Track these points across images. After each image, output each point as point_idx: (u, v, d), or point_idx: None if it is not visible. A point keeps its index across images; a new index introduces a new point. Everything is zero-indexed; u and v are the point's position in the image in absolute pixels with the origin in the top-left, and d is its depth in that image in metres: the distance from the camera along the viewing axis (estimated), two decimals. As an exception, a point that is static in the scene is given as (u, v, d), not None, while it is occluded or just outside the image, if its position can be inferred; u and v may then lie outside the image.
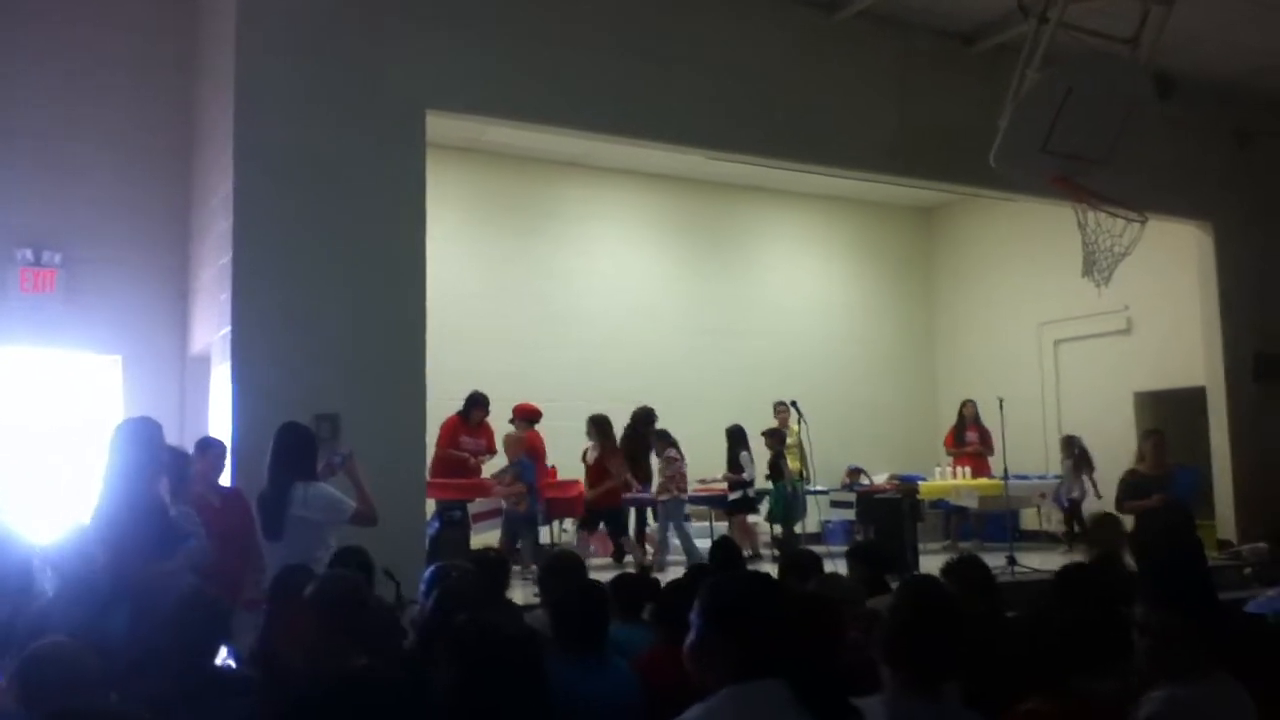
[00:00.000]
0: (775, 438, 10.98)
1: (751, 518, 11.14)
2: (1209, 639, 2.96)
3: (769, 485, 11.09)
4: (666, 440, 10.44)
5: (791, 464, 11.56)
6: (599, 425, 10.10)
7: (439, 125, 8.30)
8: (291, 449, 5.44)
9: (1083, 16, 8.39)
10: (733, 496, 10.85)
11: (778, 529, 11.14)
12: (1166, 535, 7.36)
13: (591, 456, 10.06)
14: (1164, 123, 9.96)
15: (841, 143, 9.65)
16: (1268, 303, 11.03)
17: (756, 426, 11.52)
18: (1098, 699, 2.92)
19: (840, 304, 14.90)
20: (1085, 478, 11.40)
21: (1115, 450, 10.04)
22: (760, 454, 11.18)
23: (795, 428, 11.58)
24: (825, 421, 12.05)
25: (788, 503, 10.84)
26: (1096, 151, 8.67)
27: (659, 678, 3.52)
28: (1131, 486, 8.20)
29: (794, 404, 11.55)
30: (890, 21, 9.68)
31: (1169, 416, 11.61)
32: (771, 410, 11.84)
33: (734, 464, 10.94)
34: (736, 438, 11.07)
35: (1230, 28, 9.51)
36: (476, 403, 9.78)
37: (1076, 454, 11.53)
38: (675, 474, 10.21)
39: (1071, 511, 11.52)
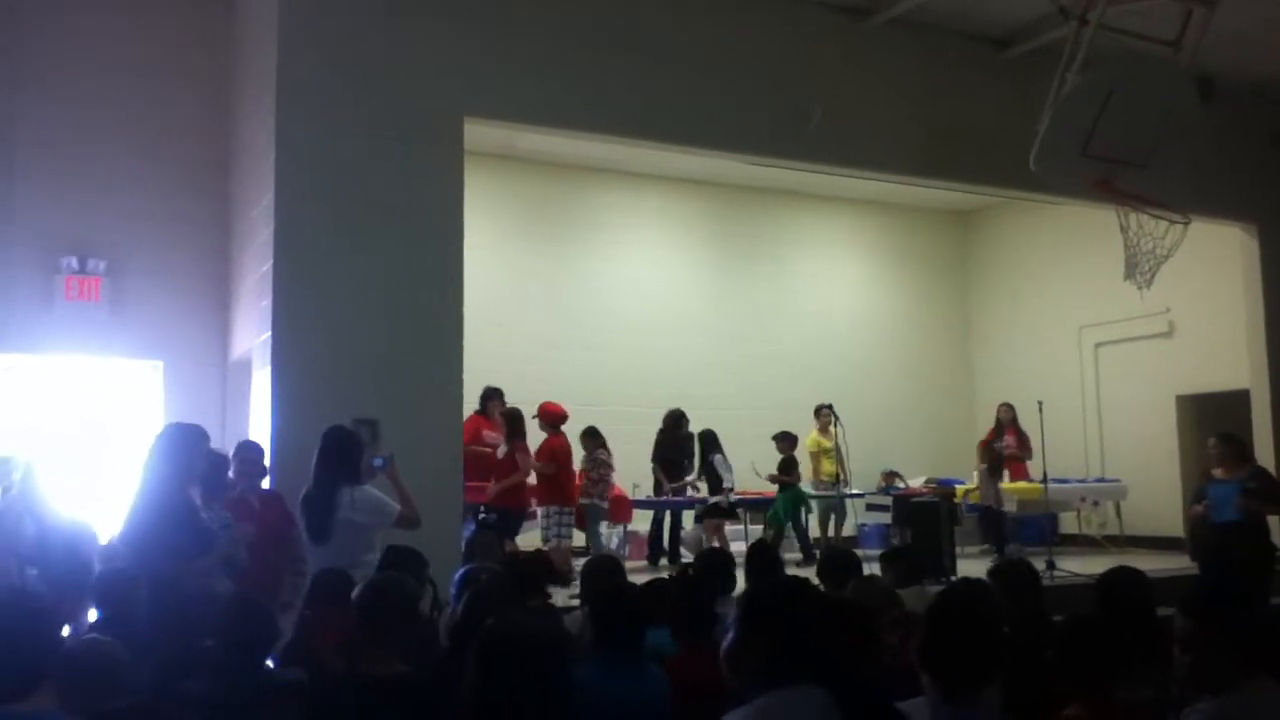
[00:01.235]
0: (787, 441, 10.84)
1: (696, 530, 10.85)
2: (1249, 646, 2.92)
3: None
4: (597, 439, 10.13)
5: (829, 467, 11.58)
6: (509, 419, 9.27)
7: (473, 132, 8.36)
8: (338, 452, 5.48)
9: (1122, 18, 8.29)
10: (709, 501, 10.56)
11: (819, 531, 11.11)
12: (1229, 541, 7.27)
13: (502, 452, 9.36)
14: (1206, 124, 9.85)
15: (876, 147, 9.62)
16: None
17: (791, 430, 11.50)
18: (1137, 707, 2.89)
19: (876, 308, 14.84)
20: None
21: (1156, 454, 9.93)
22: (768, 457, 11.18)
23: (834, 431, 11.62)
24: (861, 426, 12.08)
25: (793, 506, 10.73)
26: (1137, 154, 8.55)
27: (689, 681, 3.53)
28: (1195, 491, 8.07)
29: (830, 408, 11.60)
30: (922, 27, 9.63)
31: (1212, 420, 11.44)
32: (811, 414, 11.80)
33: (707, 468, 10.64)
34: (708, 442, 10.79)
35: (1275, 27, 9.35)
36: (491, 395, 9.65)
37: None
38: (600, 478, 9.93)
39: None
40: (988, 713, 2.68)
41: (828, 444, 11.77)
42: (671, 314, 13.37)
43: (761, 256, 14.17)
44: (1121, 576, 4.34)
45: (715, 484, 10.53)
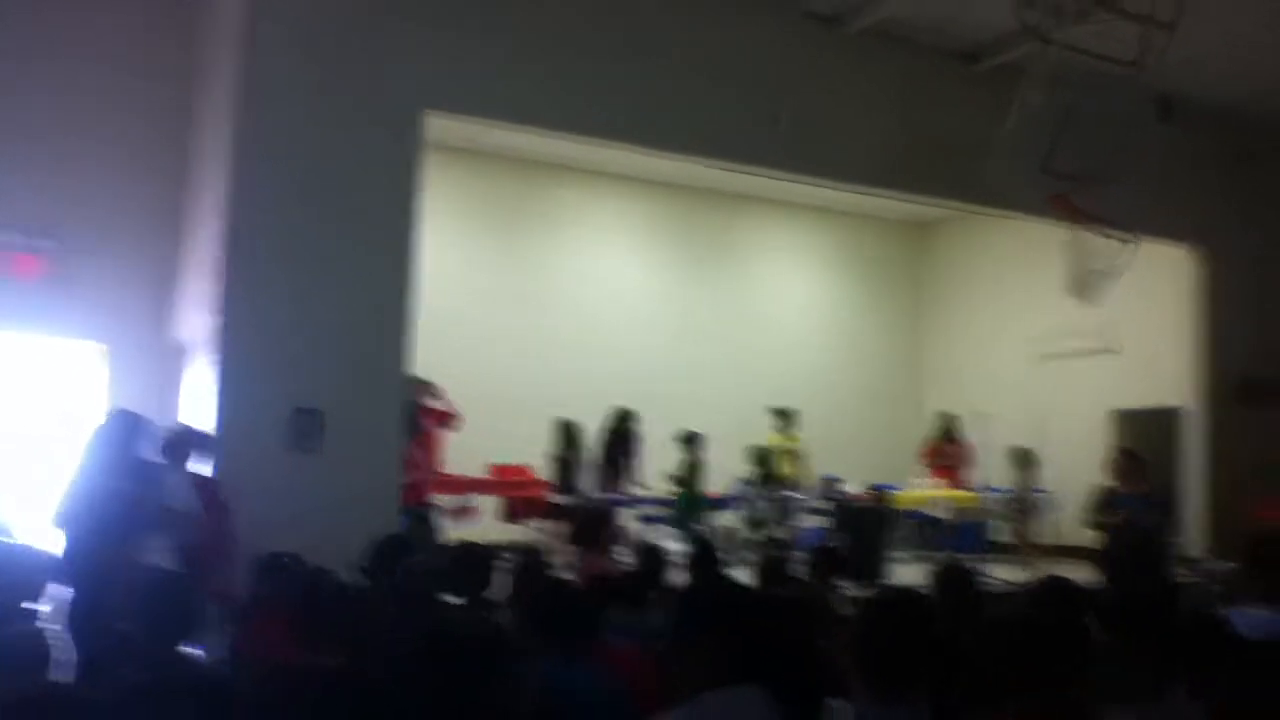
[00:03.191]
0: (691, 442, 10.77)
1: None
2: (1167, 659, 3.01)
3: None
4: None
5: (789, 469, 11.73)
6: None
7: (437, 126, 8.34)
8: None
9: (1085, 38, 8.45)
10: (558, 501, 10.09)
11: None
12: (1134, 554, 7.46)
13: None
14: (1162, 145, 10.09)
15: (843, 155, 9.72)
16: (1254, 327, 11.13)
17: (744, 433, 11.60)
18: (1065, 712, 2.96)
19: (831, 315, 15.04)
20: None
21: (1090, 466, 10.10)
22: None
23: (796, 434, 11.71)
24: (811, 430, 12.24)
25: (688, 509, 10.58)
26: (1094, 172, 8.75)
27: (638, 677, 3.55)
28: (1102, 502, 8.28)
29: (780, 411, 11.78)
30: (894, 38, 9.75)
31: (1142, 435, 11.72)
32: (765, 416, 11.91)
33: (563, 465, 10.20)
34: (570, 436, 10.31)
35: (1231, 51, 9.59)
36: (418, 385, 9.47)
37: None
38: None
39: None
40: (915, 714, 2.73)
41: (787, 446, 11.93)
42: (630, 314, 13.45)
43: (722, 260, 14.29)
44: (1053, 585, 4.43)
45: (565, 483, 10.09)
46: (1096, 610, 3.29)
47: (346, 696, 3.05)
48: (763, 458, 11.09)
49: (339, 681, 3.09)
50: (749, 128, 9.15)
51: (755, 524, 10.85)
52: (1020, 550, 11.65)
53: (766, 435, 12.03)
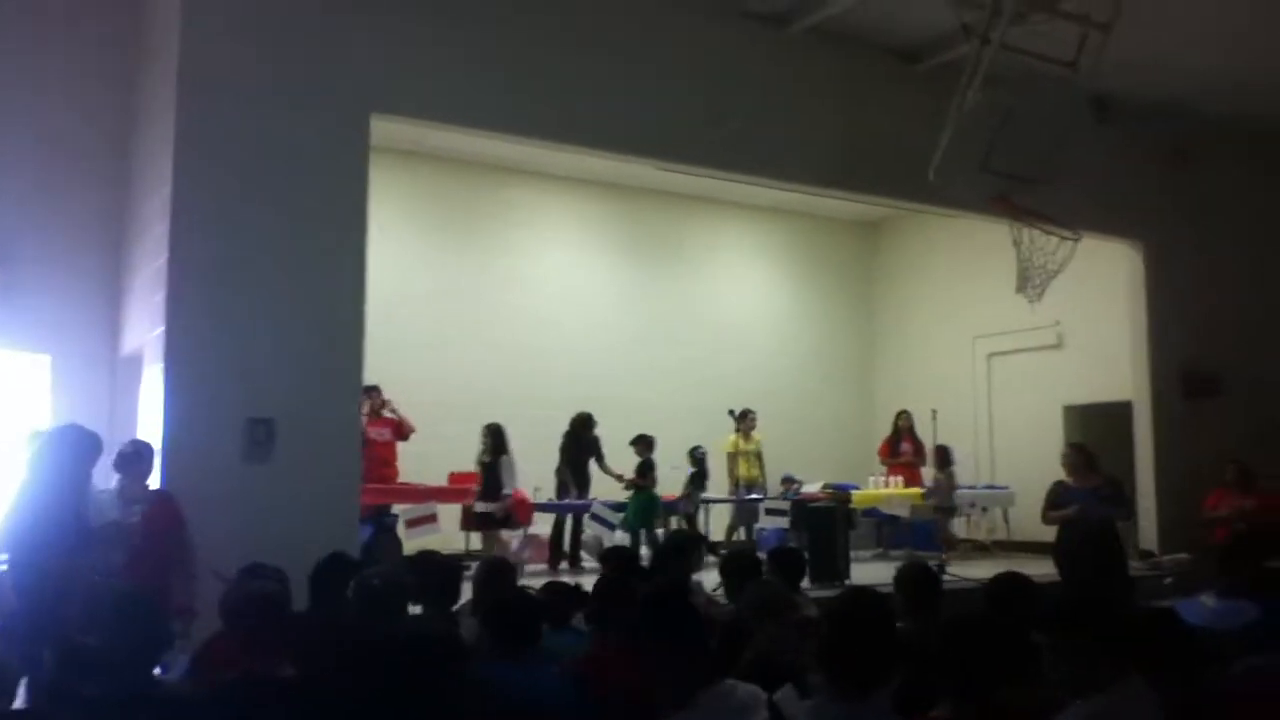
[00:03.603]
0: (643, 444, 10.75)
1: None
2: (1115, 649, 3.06)
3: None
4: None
5: (751, 471, 11.78)
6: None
7: (385, 128, 8.26)
8: None
9: (1023, 39, 8.56)
10: (482, 509, 9.83)
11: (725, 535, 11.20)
12: (1087, 547, 7.56)
13: None
14: (1100, 144, 10.23)
15: (789, 156, 9.75)
16: (1197, 322, 11.32)
17: (698, 434, 11.63)
18: (1016, 708, 3.00)
19: (784, 315, 15.13)
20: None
21: (1043, 461, 10.25)
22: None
23: (756, 436, 11.79)
24: (769, 430, 12.32)
25: (645, 510, 10.54)
26: (1033, 171, 8.87)
27: (595, 681, 3.55)
28: (1055, 496, 8.39)
29: (740, 413, 11.86)
30: (838, 38, 9.80)
31: (1096, 430, 11.90)
32: (719, 418, 11.98)
33: (489, 470, 9.93)
34: (496, 439, 10.01)
35: (1168, 51, 9.74)
36: (368, 392, 9.15)
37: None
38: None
39: None
40: (876, 711, 2.76)
41: (747, 448, 11.99)
42: (582, 316, 13.43)
43: (672, 261, 14.32)
44: (1008, 581, 4.50)
45: (494, 488, 9.83)
46: (1051, 604, 3.33)
47: (304, 708, 3.02)
48: (699, 458, 11.07)
49: (296, 694, 3.06)
50: (695, 129, 9.15)
51: (690, 522, 10.81)
52: (984, 547, 11.82)
53: (726, 437, 12.11)
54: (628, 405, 12.14)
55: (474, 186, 12.89)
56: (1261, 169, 11.87)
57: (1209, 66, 10.05)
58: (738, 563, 5.46)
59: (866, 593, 3.30)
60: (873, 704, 2.74)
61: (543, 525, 10.90)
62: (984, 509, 12.30)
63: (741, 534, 11.73)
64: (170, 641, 3.70)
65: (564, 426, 11.11)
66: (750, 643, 3.89)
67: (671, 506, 10.81)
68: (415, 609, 4.41)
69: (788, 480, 11.76)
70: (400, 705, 2.65)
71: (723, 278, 14.76)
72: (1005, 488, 12.54)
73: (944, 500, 11.46)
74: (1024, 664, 3.36)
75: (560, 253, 13.60)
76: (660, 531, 10.46)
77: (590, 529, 10.46)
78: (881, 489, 11.83)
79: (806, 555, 7.30)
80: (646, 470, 10.64)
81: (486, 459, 9.99)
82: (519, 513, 10.07)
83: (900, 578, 4.58)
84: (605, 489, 10.96)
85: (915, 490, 11.74)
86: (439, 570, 4.52)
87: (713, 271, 14.69)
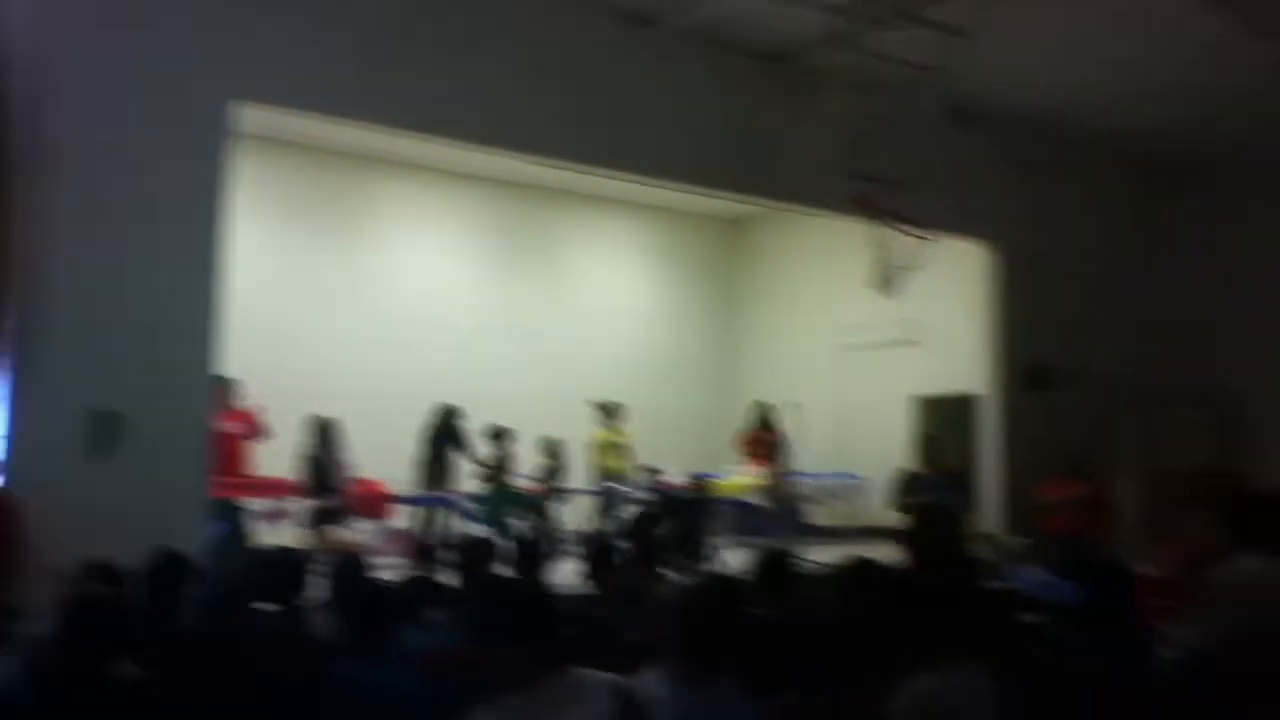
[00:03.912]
0: (500, 437, 10.74)
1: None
2: (956, 629, 3.23)
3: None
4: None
5: (615, 462, 11.90)
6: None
7: (250, 116, 7.99)
8: None
9: (889, 45, 8.83)
10: (311, 505, 9.43)
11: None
12: (933, 532, 7.88)
13: None
14: (955, 149, 10.64)
15: (655, 152, 9.82)
16: (1038, 319, 11.87)
17: (563, 427, 11.66)
18: (859, 689, 3.14)
19: (650, 309, 15.31)
20: None
21: (894, 451, 10.64)
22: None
23: (625, 430, 11.96)
24: (634, 422, 12.43)
25: (503, 502, 10.53)
26: (893, 173, 9.19)
27: (446, 677, 3.54)
28: (905, 485, 8.74)
29: (610, 406, 11.92)
30: (706, 38, 9.91)
31: (944, 421, 12.39)
32: (587, 410, 12.03)
33: (313, 465, 9.58)
34: (325, 433, 9.68)
35: (1022, 62, 10.14)
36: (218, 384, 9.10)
37: None
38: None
39: None
40: (726, 694, 2.84)
41: (613, 439, 12.07)
42: (451, 310, 13.35)
43: (539, 255, 14.34)
44: (857, 566, 4.67)
45: (320, 483, 9.47)
46: (899, 586, 3.48)
47: (146, 710, 2.93)
48: (553, 450, 11.08)
49: (137, 695, 2.97)
50: (563, 123, 9.16)
51: (539, 514, 10.79)
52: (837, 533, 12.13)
53: (592, 429, 12.16)
54: (493, 397, 12.06)
55: (343, 177, 12.68)
56: (1102, 178, 12.54)
57: (1059, 79, 10.51)
58: (598, 551, 5.52)
59: (720, 578, 3.38)
60: (723, 687, 2.81)
61: (405, 519, 10.76)
62: (838, 496, 12.66)
63: (604, 524, 11.79)
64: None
65: (428, 419, 10.98)
66: (606, 628, 3.95)
67: (528, 499, 10.78)
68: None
69: (648, 470, 11.88)
70: (247, 705, 2.61)
71: (591, 272, 14.85)
72: (858, 476, 12.93)
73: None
74: (870, 646, 3.51)
75: (426, 245, 13.47)
76: (519, 524, 10.44)
77: (453, 523, 10.37)
78: (741, 478, 12.06)
79: (667, 543, 7.40)
80: (503, 462, 10.60)
81: (313, 453, 9.63)
82: (376, 506, 9.92)
83: (756, 565, 4.70)
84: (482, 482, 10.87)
85: (773, 480, 12.02)
86: (286, 566, 4.42)
87: (581, 265, 14.76)
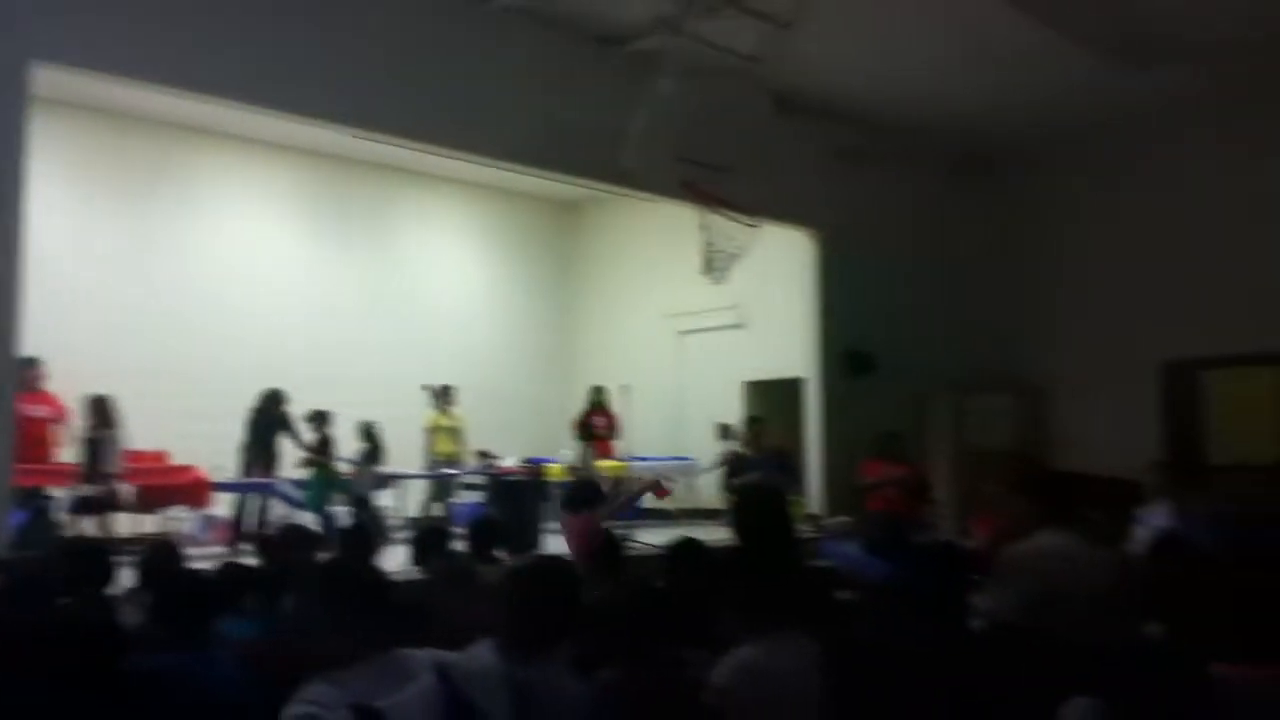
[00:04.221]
0: (321, 420, 10.47)
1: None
2: (779, 602, 3.36)
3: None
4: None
5: (450, 446, 11.79)
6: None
7: (53, 79, 7.55)
8: None
9: (714, 33, 8.96)
10: (84, 493, 8.82)
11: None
12: (758, 511, 8.13)
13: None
14: (781, 137, 10.91)
15: (485, 131, 9.70)
16: (859, 306, 12.33)
17: (395, 411, 11.46)
18: (682, 664, 3.22)
19: (485, 291, 15.17)
20: None
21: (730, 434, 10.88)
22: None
23: (454, 411, 11.73)
24: (469, 406, 12.32)
25: (325, 488, 10.27)
26: (720, 160, 9.37)
27: (268, 664, 3.45)
28: (734, 466, 8.98)
29: (441, 389, 11.78)
30: (538, 18, 9.84)
31: (773, 404, 12.76)
32: (419, 393, 11.86)
33: (90, 446, 8.95)
34: (98, 414, 9.00)
35: (843, 53, 10.47)
36: (25, 366, 8.32)
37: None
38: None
39: None
40: (556, 669, 2.88)
41: (446, 423, 11.92)
42: (277, 290, 12.89)
43: (371, 234, 13.98)
44: (684, 546, 4.78)
45: (97, 469, 8.88)
46: (722, 565, 3.59)
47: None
48: (370, 433, 10.90)
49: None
50: (383, 97, 8.93)
51: (361, 499, 10.61)
52: (672, 515, 12.33)
53: (423, 413, 12.01)
54: (321, 380, 11.74)
55: (159, 148, 12.02)
56: (918, 169, 13.09)
57: (877, 70, 10.92)
58: (427, 535, 5.48)
59: (547, 558, 3.42)
60: (550, 665, 2.85)
61: (228, 506, 10.40)
62: (672, 480, 12.85)
63: (438, 509, 11.67)
64: None
65: (251, 402, 10.61)
66: (434, 611, 3.93)
67: (350, 484, 10.55)
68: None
69: (484, 455, 11.81)
70: (49, 700, 2.48)
71: (426, 252, 14.60)
72: (691, 459, 13.18)
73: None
74: (695, 622, 3.60)
75: (254, 222, 12.93)
76: (342, 509, 10.22)
77: (275, 508, 10.07)
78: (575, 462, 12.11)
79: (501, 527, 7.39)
80: (325, 447, 10.36)
81: (88, 435, 8.97)
82: (197, 494, 9.55)
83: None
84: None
85: (609, 463, 12.12)
86: (90, 555, 4.22)
87: (413, 246, 14.48)
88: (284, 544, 5.20)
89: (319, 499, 10.08)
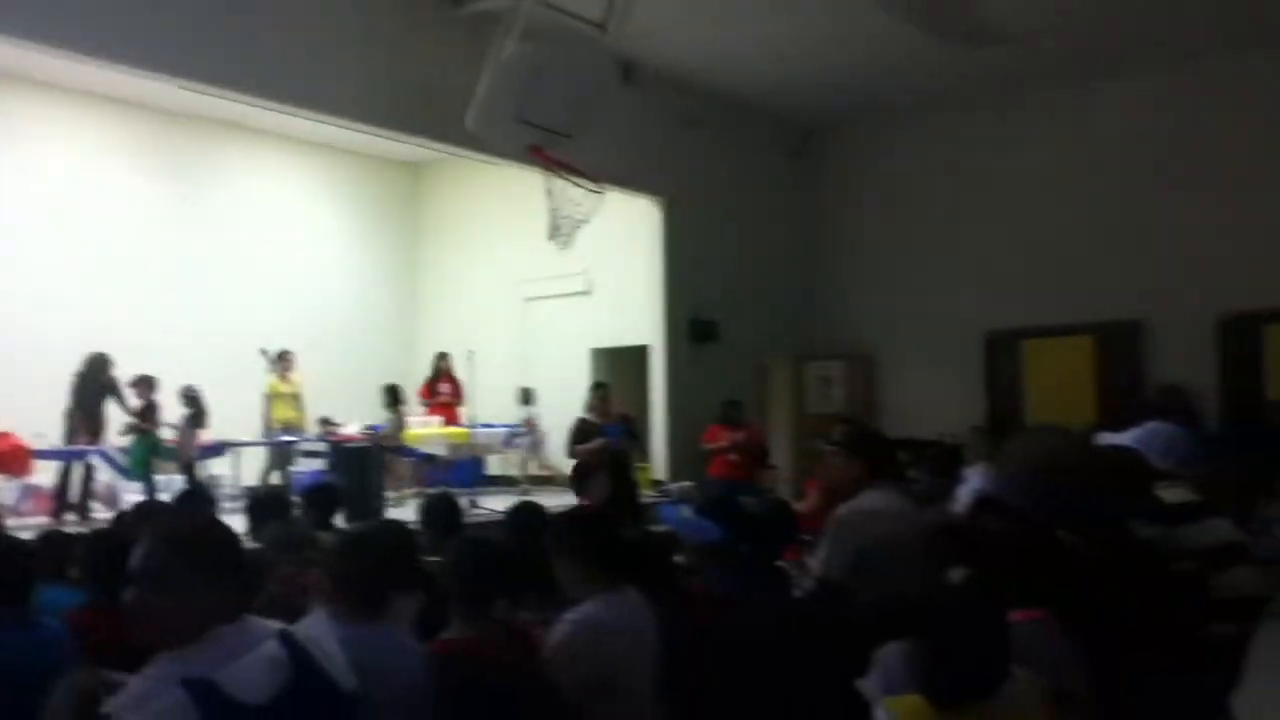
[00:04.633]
0: (145, 386, 10.13)
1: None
2: (615, 562, 3.46)
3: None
4: None
5: (285, 413, 11.55)
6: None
7: None
8: None
9: (564, -2, 8.93)
10: None
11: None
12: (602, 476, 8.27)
13: None
14: (626, 104, 10.94)
15: (325, 88, 9.39)
16: (703, 274, 12.55)
17: (232, 376, 11.13)
18: (518, 624, 3.29)
19: (329, 254, 14.84)
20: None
21: (573, 401, 10.93)
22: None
23: (293, 377, 11.51)
24: (306, 372, 12.03)
25: (148, 454, 9.95)
26: (566, 125, 9.34)
27: (93, 635, 3.37)
28: (580, 433, 9.07)
29: (278, 354, 11.48)
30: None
31: (619, 371, 12.89)
32: (257, 358, 11.55)
33: None
34: None
35: (686, 22, 10.57)
36: None
37: None
38: None
39: None
40: (391, 634, 2.90)
41: (285, 390, 11.63)
42: (109, 250, 12.31)
43: (206, 193, 13.47)
44: (524, 509, 4.84)
45: None
46: (561, 527, 3.66)
47: None
48: (193, 397, 10.47)
49: None
50: (221, 50, 8.52)
51: (186, 466, 10.26)
52: (517, 481, 12.35)
53: (262, 378, 11.68)
54: (153, 345, 11.30)
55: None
56: (759, 140, 13.38)
57: (722, 42, 11.07)
58: (263, 502, 5.38)
59: (376, 522, 3.43)
60: (384, 627, 2.87)
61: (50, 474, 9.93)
62: (517, 445, 12.86)
63: (277, 478, 11.41)
64: None
65: (76, 367, 10.13)
66: (270, 578, 3.88)
67: (174, 451, 10.20)
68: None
69: (325, 422, 11.58)
70: None
71: (264, 213, 14.11)
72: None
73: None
74: (534, 582, 3.67)
75: (76, 174, 12.26)
76: (165, 478, 9.88)
77: (101, 476, 9.68)
78: (421, 429, 11.99)
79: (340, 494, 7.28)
80: (149, 413, 9.98)
81: None
82: (16, 461, 9.07)
83: (423, 509, 4.77)
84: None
85: (454, 430, 12.04)
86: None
87: (253, 206, 13.99)
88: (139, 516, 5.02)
89: (142, 466, 9.72)
